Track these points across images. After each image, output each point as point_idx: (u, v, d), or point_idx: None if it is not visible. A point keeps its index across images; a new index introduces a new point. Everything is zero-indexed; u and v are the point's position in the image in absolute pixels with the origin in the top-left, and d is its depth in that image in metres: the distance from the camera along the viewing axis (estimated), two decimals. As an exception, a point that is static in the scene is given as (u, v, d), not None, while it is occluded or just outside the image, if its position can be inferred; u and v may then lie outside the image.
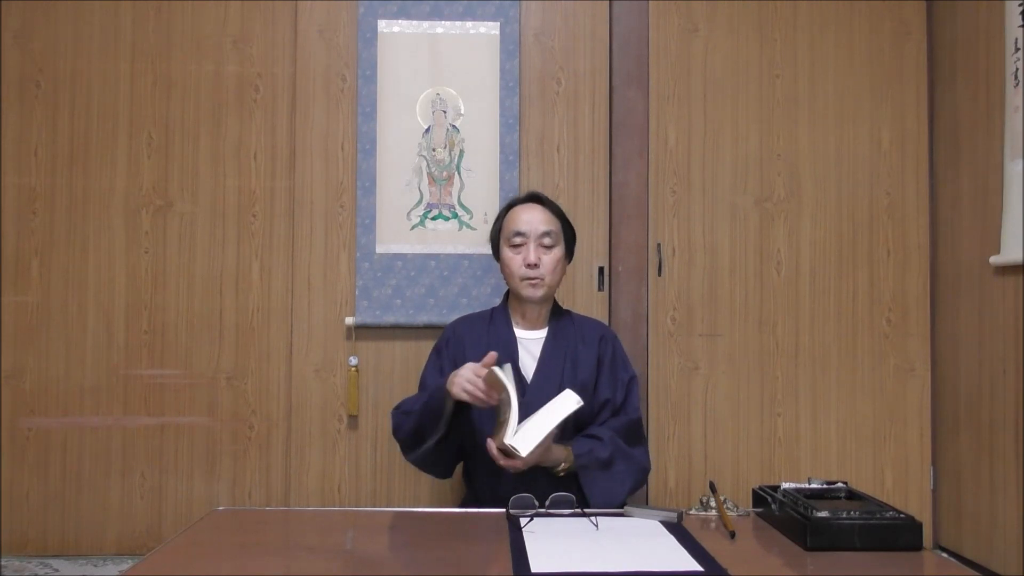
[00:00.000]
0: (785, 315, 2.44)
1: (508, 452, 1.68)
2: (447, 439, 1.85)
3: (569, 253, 2.04)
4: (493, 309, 2.07)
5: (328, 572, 1.35)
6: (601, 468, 1.83)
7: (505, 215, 2.03)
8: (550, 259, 1.96)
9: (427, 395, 1.87)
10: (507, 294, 2.07)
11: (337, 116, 2.42)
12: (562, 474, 1.82)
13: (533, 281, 1.94)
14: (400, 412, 1.95)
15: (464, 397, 1.74)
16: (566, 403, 1.69)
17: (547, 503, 1.62)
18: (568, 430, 1.91)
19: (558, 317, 2.02)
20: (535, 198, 2.04)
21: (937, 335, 2.44)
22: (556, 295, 2.04)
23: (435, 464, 1.94)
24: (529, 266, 1.93)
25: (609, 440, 1.87)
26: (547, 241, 1.96)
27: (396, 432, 1.95)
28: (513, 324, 2.00)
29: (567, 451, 1.83)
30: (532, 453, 1.67)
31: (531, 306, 1.99)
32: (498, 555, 1.37)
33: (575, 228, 2.07)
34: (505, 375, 1.68)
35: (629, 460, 1.88)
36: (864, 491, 1.65)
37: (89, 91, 2.41)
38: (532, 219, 1.97)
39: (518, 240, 1.96)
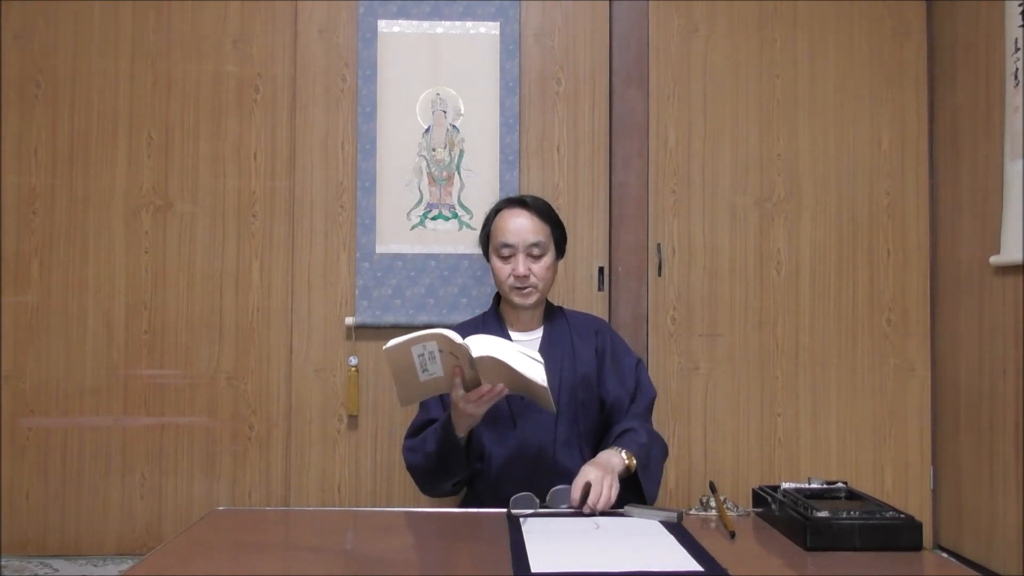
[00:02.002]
0: (785, 315, 2.44)
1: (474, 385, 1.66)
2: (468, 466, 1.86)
3: (560, 251, 2.02)
4: (484, 315, 2.06)
5: (328, 572, 1.35)
6: (651, 461, 1.82)
7: (492, 221, 2.00)
8: (540, 267, 1.93)
9: (437, 444, 1.80)
10: (497, 297, 2.07)
11: (337, 116, 2.42)
12: (632, 470, 1.77)
13: (524, 291, 1.93)
14: (411, 451, 1.90)
15: (484, 409, 1.71)
16: (535, 368, 1.63)
17: (547, 497, 1.62)
18: (596, 429, 1.90)
19: (551, 316, 2.01)
20: (521, 203, 1.98)
21: (937, 335, 2.44)
22: (552, 295, 2.04)
23: (455, 490, 1.93)
24: (519, 277, 1.91)
25: (640, 427, 1.88)
26: (536, 251, 1.92)
27: (411, 472, 1.91)
28: (507, 327, 2.00)
29: (624, 453, 1.78)
30: (485, 368, 1.62)
31: (524, 310, 1.98)
32: (498, 555, 1.37)
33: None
34: (450, 341, 1.60)
35: (658, 443, 1.89)
36: (864, 491, 1.65)
37: (89, 91, 2.41)
38: (519, 229, 1.93)
39: (506, 252, 1.93)
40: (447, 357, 1.63)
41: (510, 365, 1.61)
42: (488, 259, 2.02)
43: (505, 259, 1.93)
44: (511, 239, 1.93)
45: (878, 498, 1.58)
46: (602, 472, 1.67)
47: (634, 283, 2.44)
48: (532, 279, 1.92)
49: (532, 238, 1.93)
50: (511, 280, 1.92)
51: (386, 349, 1.61)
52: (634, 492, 1.87)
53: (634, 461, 1.76)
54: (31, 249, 2.39)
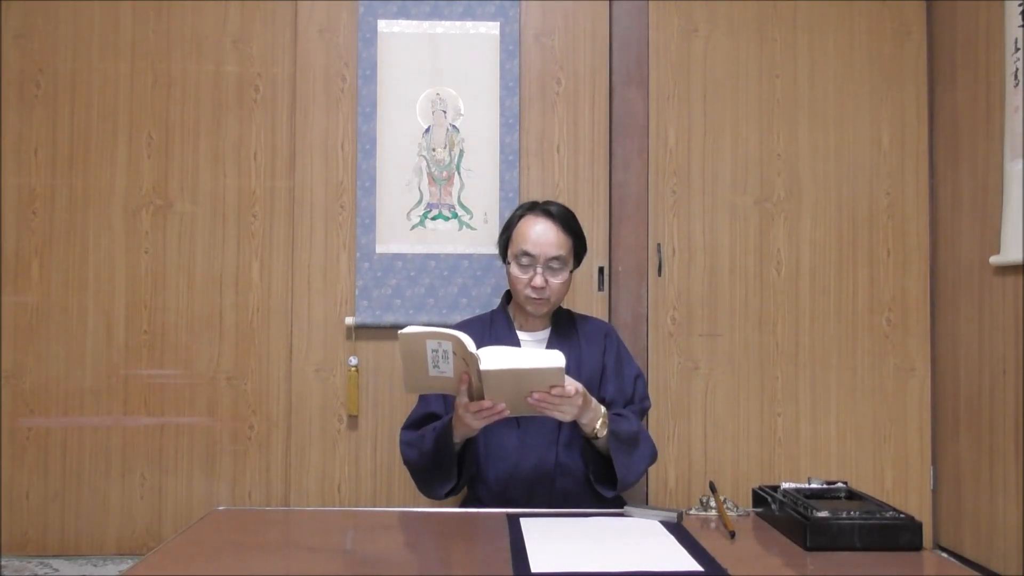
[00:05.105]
0: (785, 315, 2.44)
1: (480, 396, 1.66)
2: (462, 468, 1.85)
3: (578, 262, 2.01)
4: (492, 312, 2.06)
5: (328, 572, 1.35)
6: (630, 442, 1.83)
7: (515, 225, 1.96)
8: (557, 282, 1.92)
9: (433, 444, 1.80)
10: (506, 295, 2.07)
11: (337, 116, 2.42)
12: (597, 437, 1.80)
13: (539, 301, 1.92)
14: (408, 446, 1.90)
15: (482, 424, 1.71)
16: (549, 358, 1.64)
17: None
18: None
19: (558, 318, 2.01)
20: (547, 212, 1.94)
21: (937, 335, 2.44)
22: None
23: (450, 495, 1.92)
24: (535, 288, 1.91)
25: (634, 419, 1.89)
26: (555, 265, 1.90)
27: (407, 467, 1.92)
28: (515, 326, 2.00)
29: (604, 413, 1.81)
30: (491, 383, 1.62)
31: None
32: (498, 555, 1.37)
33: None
34: (464, 347, 1.60)
35: (648, 442, 1.90)
36: (864, 491, 1.65)
37: (89, 91, 2.41)
38: (542, 240, 1.90)
39: (526, 261, 1.91)
40: (460, 361, 1.63)
41: (525, 369, 1.61)
42: (504, 260, 2.00)
43: (523, 267, 1.91)
44: (532, 249, 1.90)
45: (878, 498, 1.58)
46: (584, 394, 1.72)
47: (634, 283, 2.44)
48: (547, 291, 1.91)
49: (553, 252, 1.90)
50: (527, 290, 1.91)
51: (401, 334, 1.61)
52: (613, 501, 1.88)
53: (605, 430, 1.79)
54: (31, 249, 2.39)
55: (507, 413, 1.67)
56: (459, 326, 2.05)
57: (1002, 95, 2.14)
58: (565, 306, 2.08)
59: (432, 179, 2.40)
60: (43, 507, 2.36)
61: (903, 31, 2.48)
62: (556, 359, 1.62)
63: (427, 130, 2.41)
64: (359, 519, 1.76)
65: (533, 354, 1.71)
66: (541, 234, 1.91)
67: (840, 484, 1.63)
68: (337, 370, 2.39)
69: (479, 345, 1.94)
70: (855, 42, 2.48)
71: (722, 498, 1.64)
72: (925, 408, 2.44)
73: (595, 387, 1.93)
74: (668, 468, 2.41)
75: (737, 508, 1.66)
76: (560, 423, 1.85)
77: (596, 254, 2.42)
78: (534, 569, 1.27)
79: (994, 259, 2.14)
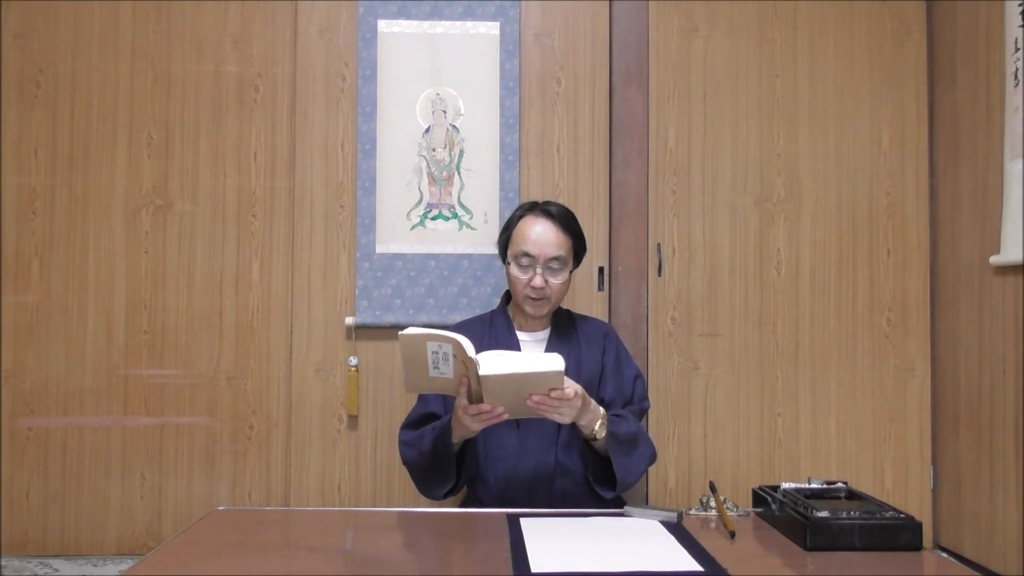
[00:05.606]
0: (785, 315, 2.44)
1: (479, 399, 1.66)
2: (461, 469, 1.85)
3: (578, 262, 2.01)
4: (492, 312, 2.06)
5: (328, 572, 1.35)
6: (629, 443, 1.83)
7: (515, 225, 1.96)
8: (557, 282, 1.92)
9: (432, 444, 1.81)
10: (507, 294, 2.06)
11: (337, 116, 2.42)
12: (597, 438, 1.79)
13: (539, 302, 1.92)
14: (407, 446, 1.91)
15: (480, 427, 1.72)
16: (548, 361, 1.64)
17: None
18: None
19: (558, 318, 2.01)
20: (547, 213, 1.95)
21: (937, 335, 2.44)
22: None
23: (450, 495, 1.92)
24: (535, 288, 1.90)
25: (633, 420, 1.89)
26: (555, 265, 1.91)
27: (406, 466, 1.93)
28: (515, 327, 2.00)
29: (603, 414, 1.81)
30: (490, 387, 1.62)
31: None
32: (498, 555, 1.37)
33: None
34: (464, 351, 1.61)
35: (647, 443, 1.90)
36: (864, 491, 1.65)
37: (89, 91, 2.41)
38: (541, 241, 1.90)
39: (525, 261, 1.91)
40: (459, 363, 1.63)
41: (524, 373, 1.61)
42: (504, 260, 2.00)
43: (523, 267, 1.91)
44: (532, 250, 1.90)
45: (878, 498, 1.58)
46: (583, 396, 1.72)
47: (634, 283, 2.44)
48: (547, 290, 1.91)
49: (553, 252, 1.90)
50: (527, 290, 1.91)
51: (402, 336, 1.61)
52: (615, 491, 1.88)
53: (604, 432, 1.78)
54: (31, 249, 2.39)
55: (506, 416, 1.67)
56: (458, 327, 2.05)
57: (1002, 95, 2.14)
58: (565, 306, 2.08)
59: (432, 179, 2.40)
60: (43, 507, 2.36)
61: (903, 31, 2.48)
62: (555, 362, 1.62)
63: (427, 130, 2.41)
64: (359, 519, 1.76)
65: (532, 358, 1.71)
66: (541, 234, 1.92)
67: (840, 484, 1.63)
68: (337, 370, 2.39)
69: (479, 346, 1.94)
70: (855, 42, 2.48)
71: (722, 498, 1.64)
72: (925, 408, 2.44)
73: (594, 387, 1.93)
74: (668, 468, 2.42)
75: (737, 508, 1.66)
76: (559, 424, 1.85)
77: (596, 254, 2.42)
78: (534, 569, 1.27)
79: (994, 259, 2.14)
